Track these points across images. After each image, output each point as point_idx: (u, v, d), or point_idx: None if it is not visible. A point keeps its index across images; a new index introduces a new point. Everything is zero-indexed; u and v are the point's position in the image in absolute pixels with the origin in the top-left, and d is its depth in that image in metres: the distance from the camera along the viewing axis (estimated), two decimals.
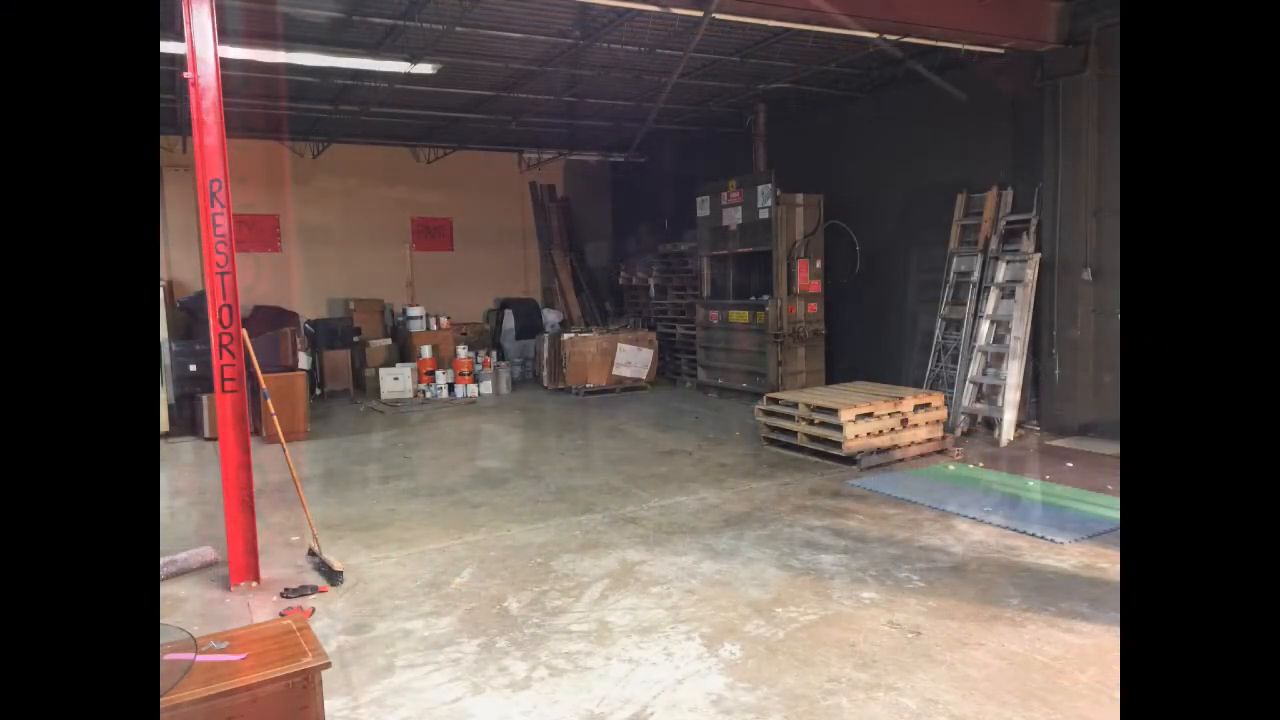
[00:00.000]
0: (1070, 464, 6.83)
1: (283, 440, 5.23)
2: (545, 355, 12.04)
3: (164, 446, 8.49)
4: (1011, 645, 3.66)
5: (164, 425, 8.65)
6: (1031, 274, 7.89)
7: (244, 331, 4.64)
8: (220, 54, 4.46)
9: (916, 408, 7.28)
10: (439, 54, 8.06)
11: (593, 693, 3.34)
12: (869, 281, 10.21)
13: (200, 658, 2.55)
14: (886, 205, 9.85)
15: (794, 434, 7.37)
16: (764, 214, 10.03)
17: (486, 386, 11.75)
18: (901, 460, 7.10)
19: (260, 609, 4.31)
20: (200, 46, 4.37)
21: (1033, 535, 5.10)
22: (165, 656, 2.50)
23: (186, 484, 7.19)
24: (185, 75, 4.40)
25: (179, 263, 11.79)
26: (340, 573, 4.66)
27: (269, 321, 11.27)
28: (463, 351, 11.83)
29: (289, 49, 7.57)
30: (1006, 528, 5.25)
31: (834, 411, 6.94)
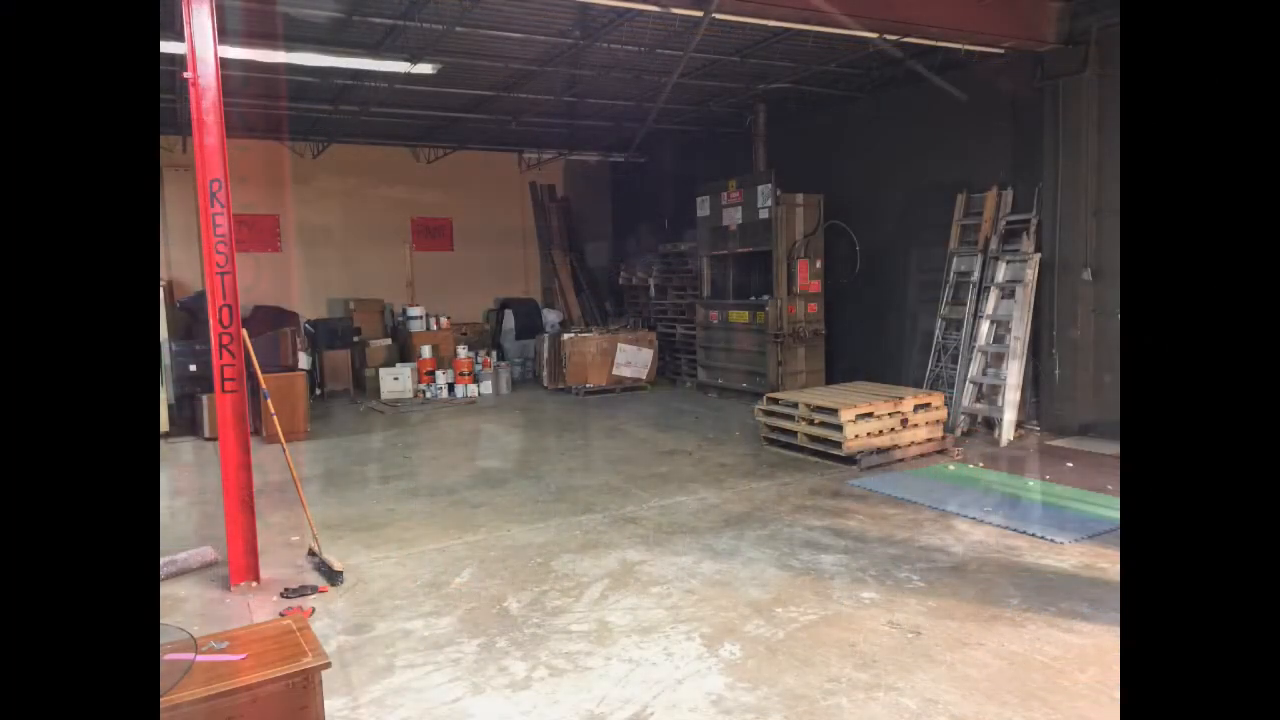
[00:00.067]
0: (1070, 464, 6.83)
1: (283, 440, 5.23)
2: (545, 355, 12.04)
3: (164, 446, 8.49)
4: (1011, 645, 3.66)
5: (164, 425, 8.64)
6: (1031, 274, 7.90)
7: (244, 331, 4.64)
8: (220, 54, 4.46)
9: (916, 408, 7.28)
10: (439, 54, 8.06)
11: (593, 693, 3.34)
12: (869, 281, 10.21)
13: (200, 658, 2.55)
14: (886, 205, 9.85)
15: (794, 434, 7.37)
16: (764, 214, 10.03)
17: (486, 386, 11.75)
18: (901, 460, 7.10)
19: (260, 609, 4.31)
20: (200, 46, 4.37)
21: (1033, 535, 5.10)
22: (165, 656, 2.50)
23: (186, 484, 7.19)
24: (185, 75, 4.40)
25: (179, 263, 11.79)
26: (340, 573, 4.66)
27: (269, 321, 11.27)
28: (463, 351, 11.83)
29: (289, 49, 7.56)
30: (1006, 528, 5.25)
31: (834, 411, 6.94)
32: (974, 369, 8.20)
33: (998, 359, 8.09)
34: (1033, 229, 8.05)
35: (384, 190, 13.44)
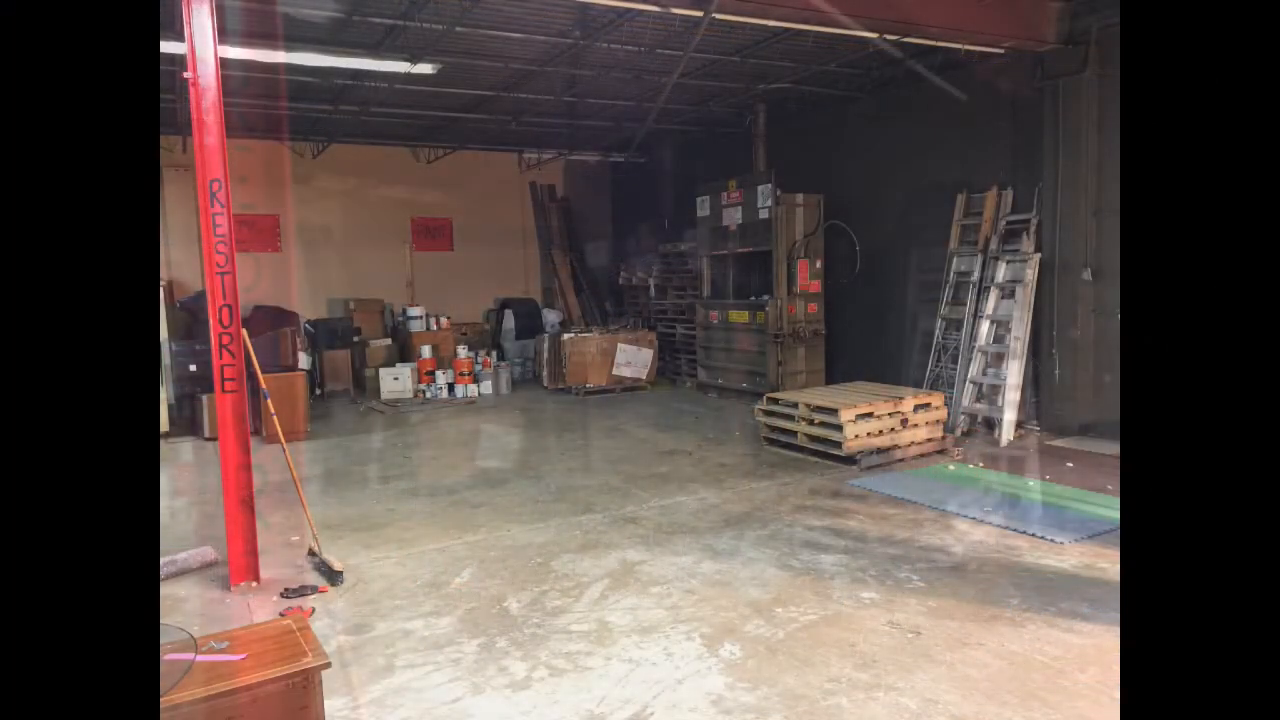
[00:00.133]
0: (1070, 464, 6.83)
1: (283, 440, 5.23)
2: (545, 355, 12.04)
3: (164, 446, 8.49)
4: (1011, 645, 3.66)
5: (164, 425, 8.64)
6: (1031, 274, 7.90)
7: (244, 331, 4.64)
8: (220, 54, 4.46)
9: (916, 408, 7.28)
10: (439, 54, 8.06)
11: (593, 693, 3.34)
12: (869, 281, 10.21)
13: (200, 658, 2.55)
14: (886, 205, 9.85)
15: (794, 434, 7.37)
16: (764, 214, 10.03)
17: (486, 386, 11.75)
18: (901, 460, 7.10)
19: (260, 609, 4.31)
20: (200, 46, 4.37)
21: (1033, 535, 5.10)
22: (165, 656, 2.50)
23: (186, 484, 7.19)
24: (185, 75, 4.39)
25: (179, 263, 11.79)
26: (340, 573, 4.66)
27: (269, 321, 11.27)
28: (463, 351, 11.83)
29: (289, 49, 7.56)
30: (1006, 528, 5.25)
31: (834, 411, 6.94)
32: (974, 369, 8.20)
33: (998, 359, 8.09)
34: (1033, 229, 8.05)
35: (384, 190, 13.44)
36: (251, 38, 7.22)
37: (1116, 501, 5.65)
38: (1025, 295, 7.87)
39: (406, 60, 7.97)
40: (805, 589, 4.35)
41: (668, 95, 9.26)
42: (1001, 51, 7.80)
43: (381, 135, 12.49)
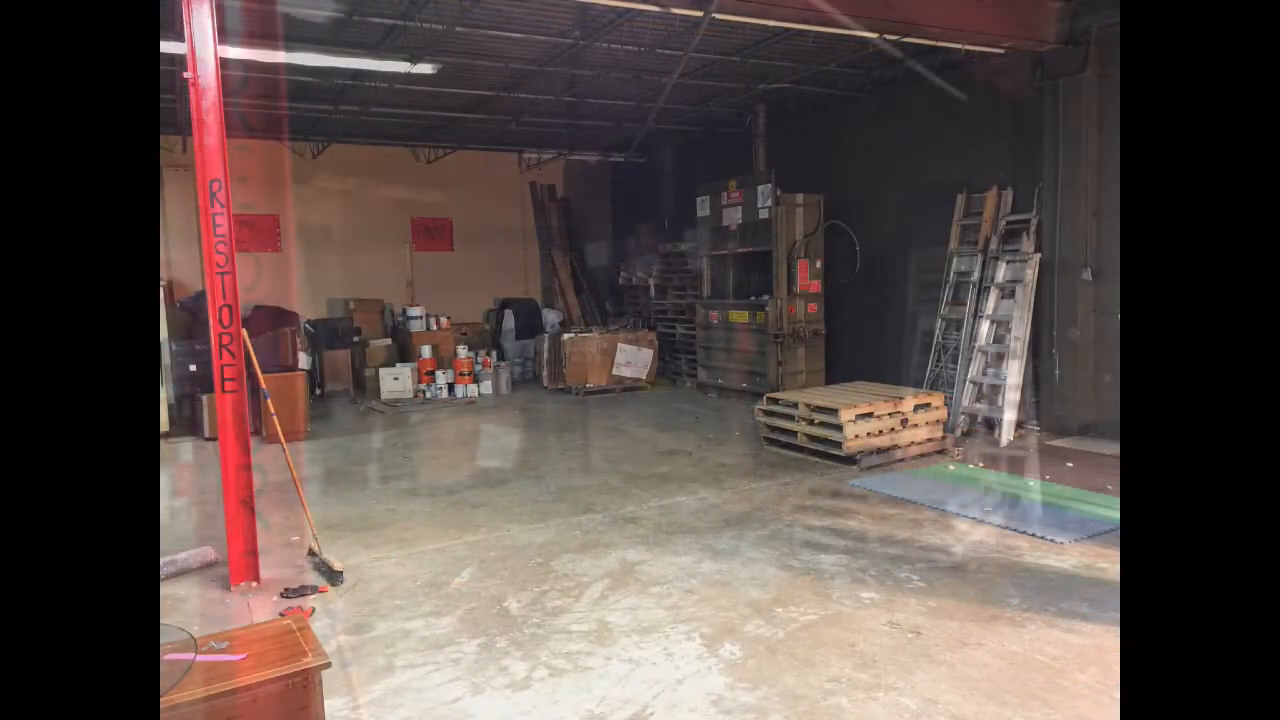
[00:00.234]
0: (1070, 464, 6.83)
1: (283, 440, 5.23)
2: (545, 355, 12.04)
3: (164, 446, 8.49)
4: (1011, 645, 3.66)
5: (164, 425, 8.64)
6: (1031, 274, 7.90)
7: (244, 331, 4.64)
8: (220, 54, 4.46)
9: (916, 408, 7.28)
10: (439, 54, 8.06)
11: (593, 693, 3.34)
12: (869, 281, 10.21)
13: (200, 658, 2.55)
14: (886, 205, 9.85)
15: (794, 434, 7.37)
16: (764, 214, 10.03)
17: (486, 386, 11.75)
18: (901, 460, 7.10)
19: (260, 609, 4.31)
20: (200, 46, 4.37)
21: (1033, 535, 5.10)
22: (165, 656, 2.50)
23: (186, 484, 7.20)
24: (185, 75, 4.39)
25: (179, 263, 11.79)
26: (340, 573, 4.66)
27: (269, 321, 11.27)
28: (463, 351, 11.83)
29: (289, 49, 7.56)
30: (1006, 528, 5.25)
31: (834, 411, 6.93)
32: (974, 369, 8.20)
33: (998, 359, 8.09)
34: (1033, 229, 8.05)
35: (384, 190, 13.44)
36: (251, 38, 7.22)
37: (1116, 501, 5.66)
38: (1025, 295, 7.87)
39: (406, 60, 7.97)
40: (805, 589, 4.35)
41: (668, 95, 9.26)
42: (1001, 51, 7.80)
43: (381, 135, 12.49)
